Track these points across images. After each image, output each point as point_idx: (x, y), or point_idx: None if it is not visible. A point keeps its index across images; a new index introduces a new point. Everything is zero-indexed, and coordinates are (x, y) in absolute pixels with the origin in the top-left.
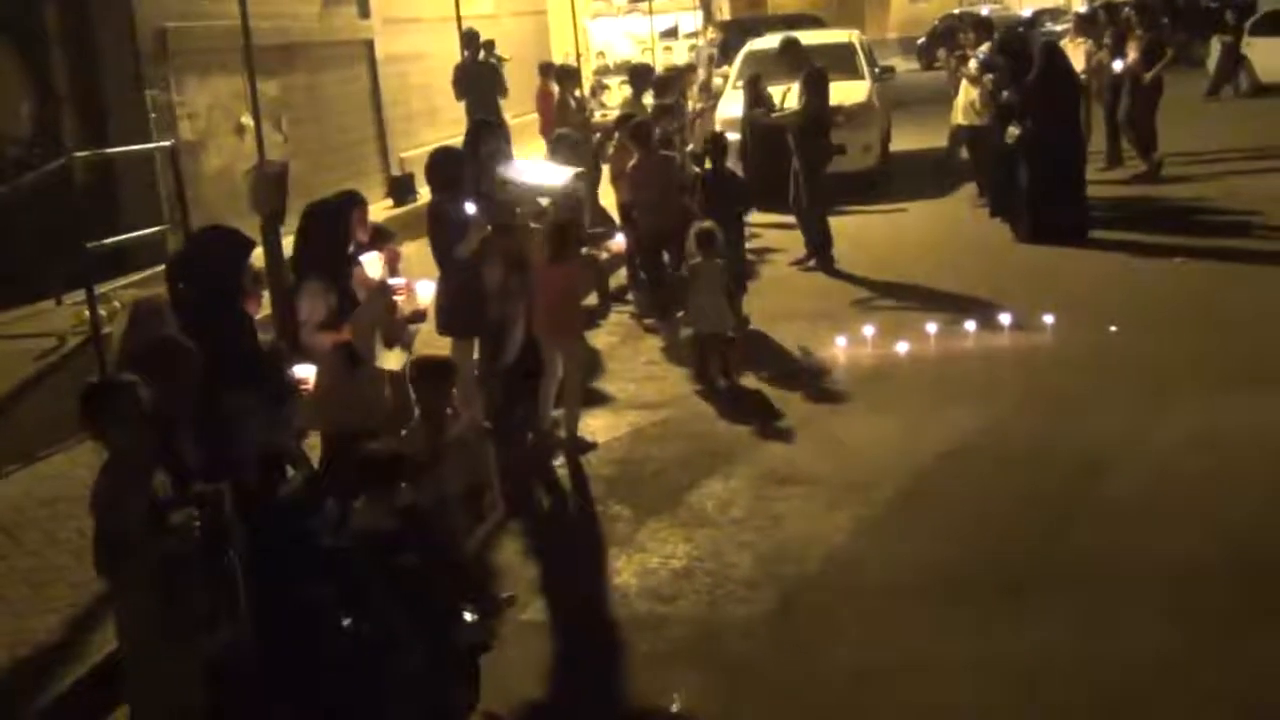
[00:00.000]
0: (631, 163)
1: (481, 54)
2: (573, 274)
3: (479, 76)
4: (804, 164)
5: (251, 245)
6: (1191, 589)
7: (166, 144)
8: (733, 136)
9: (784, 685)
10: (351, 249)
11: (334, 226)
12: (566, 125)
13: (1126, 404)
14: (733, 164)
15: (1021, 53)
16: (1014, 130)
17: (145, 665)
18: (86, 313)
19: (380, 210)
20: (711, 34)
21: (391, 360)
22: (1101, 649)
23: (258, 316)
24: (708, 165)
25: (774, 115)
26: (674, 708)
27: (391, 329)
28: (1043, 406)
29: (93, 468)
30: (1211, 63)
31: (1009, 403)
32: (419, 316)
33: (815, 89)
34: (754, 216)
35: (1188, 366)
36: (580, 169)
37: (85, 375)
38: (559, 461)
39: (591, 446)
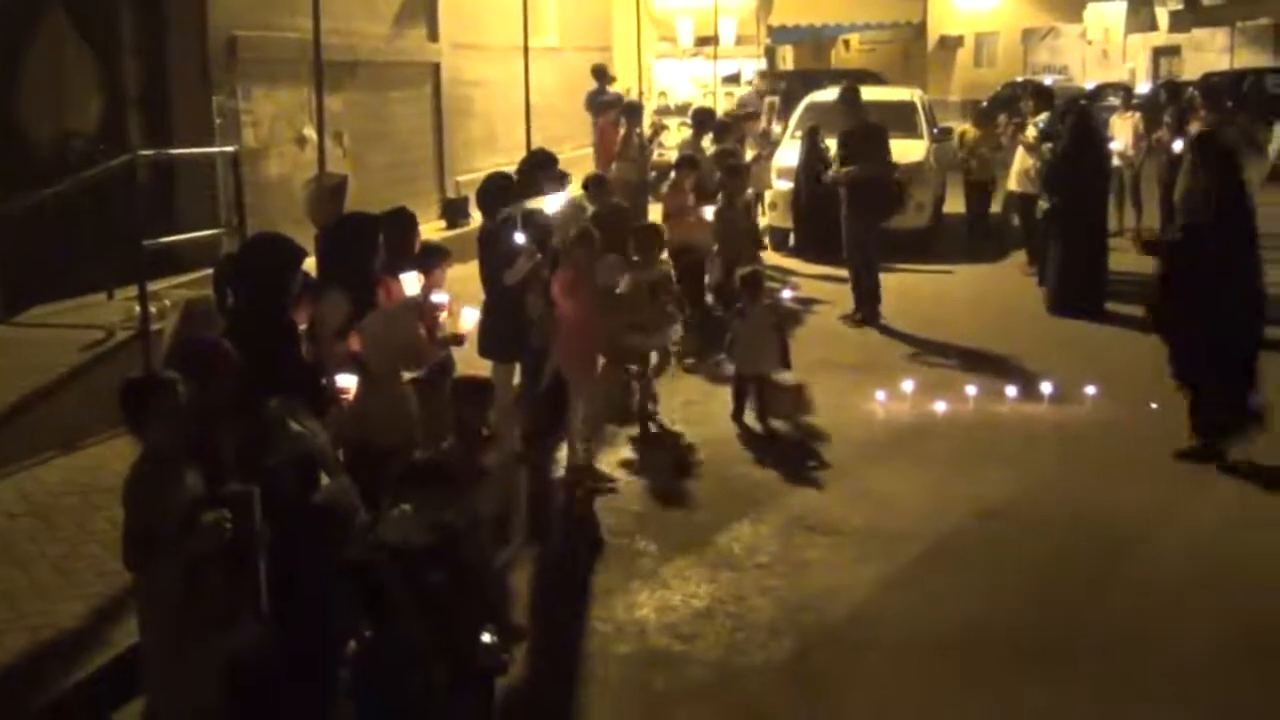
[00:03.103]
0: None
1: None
2: (586, 307)
3: (607, 105)
4: (858, 219)
5: (303, 254)
6: (1210, 674)
7: (229, 149)
8: (787, 185)
9: None
10: (379, 262)
11: (361, 239)
12: (627, 161)
13: (1162, 479)
14: (785, 213)
15: None
16: (1043, 203)
17: (164, 660)
18: (137, 309)
19: (433, 231)
20: (758, 83)
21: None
22: None
23: (304, 326)
24: None
25: (832, 173)
26: None
27: (416, 346)
28: (1078, 475)
29: (130, 461)
30: (1273, 148)
31: (1044, 469)
32: (459, 340)
33: (875, 146)
34: (803, 268)
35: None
36: (573, 196)
37: (130, 370)
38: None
39: (613, 481)
